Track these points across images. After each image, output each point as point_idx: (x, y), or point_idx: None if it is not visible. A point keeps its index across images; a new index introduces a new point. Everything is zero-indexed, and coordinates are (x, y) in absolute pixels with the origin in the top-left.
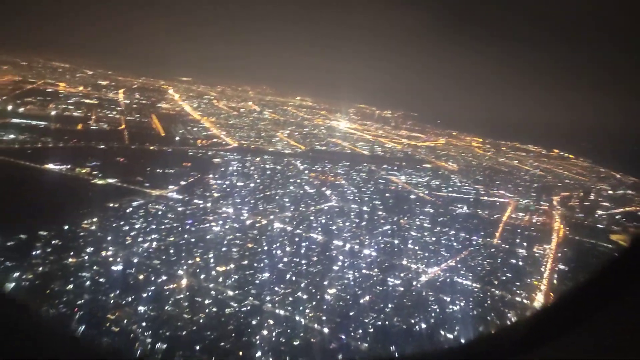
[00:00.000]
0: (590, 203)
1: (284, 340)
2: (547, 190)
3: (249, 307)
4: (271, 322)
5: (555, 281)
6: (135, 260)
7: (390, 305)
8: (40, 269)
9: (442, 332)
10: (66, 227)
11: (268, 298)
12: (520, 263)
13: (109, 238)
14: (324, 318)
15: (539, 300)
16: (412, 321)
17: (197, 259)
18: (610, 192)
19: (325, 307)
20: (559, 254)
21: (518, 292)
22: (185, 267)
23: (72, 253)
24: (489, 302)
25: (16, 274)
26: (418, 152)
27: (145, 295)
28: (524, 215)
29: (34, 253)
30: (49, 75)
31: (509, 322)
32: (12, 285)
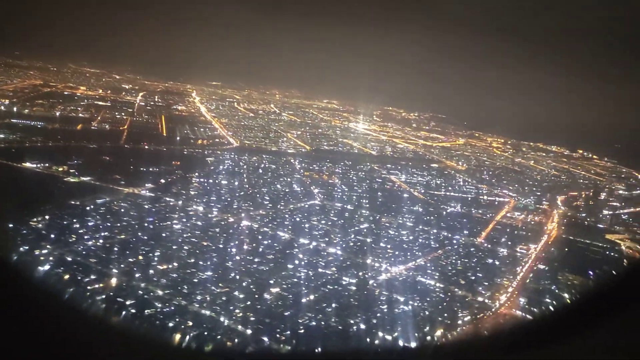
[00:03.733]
0: (597, 203)
1: (195, 344)
2: (555, 190)
3: (172, 308)
4: (190, 323)
5: (528, 281)
6: (69, 259)
7: (333, 305)
8: None
9: (380, 333)
10: (10, 225)
11: (199, 298)
12: (497, 263)
13: (52, 236)
14: (252, 319)
15: (500, 301)
16: (351, 321)
17: (140, 257)
18: (625, 192)
19: (259, 307)
20: (543, 254)
21: (482, 292)
22: (122, 266)
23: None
24: (445, 302)
25: None
26: (430, 153)
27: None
28: (520, 214)
29: None
30: (73, 79)
31: (460, 323)
32: None
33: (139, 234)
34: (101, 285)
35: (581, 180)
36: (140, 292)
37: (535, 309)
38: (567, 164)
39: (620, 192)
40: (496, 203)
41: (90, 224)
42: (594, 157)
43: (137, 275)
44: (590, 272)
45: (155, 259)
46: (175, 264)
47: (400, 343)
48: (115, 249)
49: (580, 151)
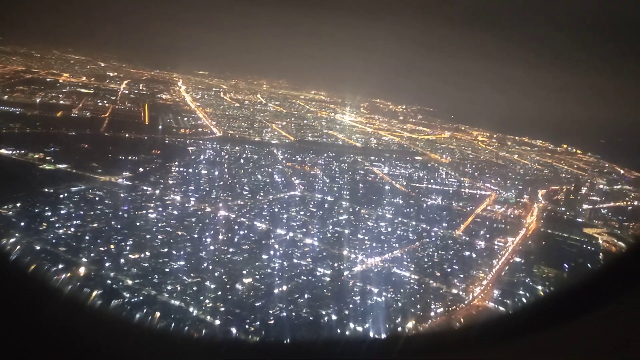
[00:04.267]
0: (578, 197)
1: (162, 335)
2: (537, 184)
3: (141, 298)
4: (158, 314)
5: (503, 273)
6: (37, 248)
7: (306, 296)
8: None
9: (351, 324)
10: None
11: (169, 288)
12: (474, 255)
13: (22, 224)
14: (222, 309)
15: (474, 293)
16: (322, 312)
17: (111, 246)
18: (606, 186)
19: (230, 297)
20: (520, 247)
21: (457, 284)
22: (92, 255)
23: None
24: (419, 294)
25: None
26: (415, 145)
27: None
28: (501, 207)
29: None
30: (57, 66)
31: (433, 315)
32: None
33: (113, 222)
34: (68, 274)
35: (563, 175)
36: (108, 281)
37: (508, 301)
38: (550, 159)
39: (601, 186)
40: (477, 196)
41: (62, 212)
42: (578, 151)
43: (106, 264)
44: (566, 265)
45: (127, 248)
46: (148, 254)
47: (371, 334)
48: (87, 237)
49: (565, 146)
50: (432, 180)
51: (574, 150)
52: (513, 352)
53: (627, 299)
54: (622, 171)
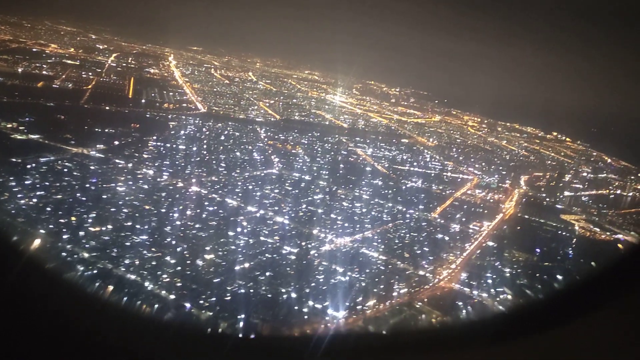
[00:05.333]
0: (560, 184)
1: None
2: (520, 170)
3: (95, 271)
4: (111, 287)
5: (474, 257)
6: None
7: (267, 274)
8: None
9: (310, 302)
10: None
11: (127, 261)
12: (447, 238)
13: None
14: (178, 284)
15: (441, 275)
16: (281, 290)
17: (73, 218)
18: (590, 175)
19: (189, 273)
20: (495, 231)
21: (425, 266)
22: (51, 226)
23: None
24: (384, 275)
25: None
26: (403, 128)
27: None
28: (481, 192)
29: None
30: (46, 37)
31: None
32: None
33: (78, 194)
34: (22, 247)
35: (549, 162)
36: (63, 254)
37: (474, 283)
38: (538, 145)
39: (585, 174)
40: (459, 180)
41: (27, 182)
42: (567, 139)
43: (64, 236)
44: (537, 250)
45: (89, 220)
46: (110, 227)
47: (329, 312)
48: (49, 208)
49: (555, 133)
50: (415, 163)
51: (564, 137)
52: (512, 352)
53: (626, 299)
54: (609, 160)
